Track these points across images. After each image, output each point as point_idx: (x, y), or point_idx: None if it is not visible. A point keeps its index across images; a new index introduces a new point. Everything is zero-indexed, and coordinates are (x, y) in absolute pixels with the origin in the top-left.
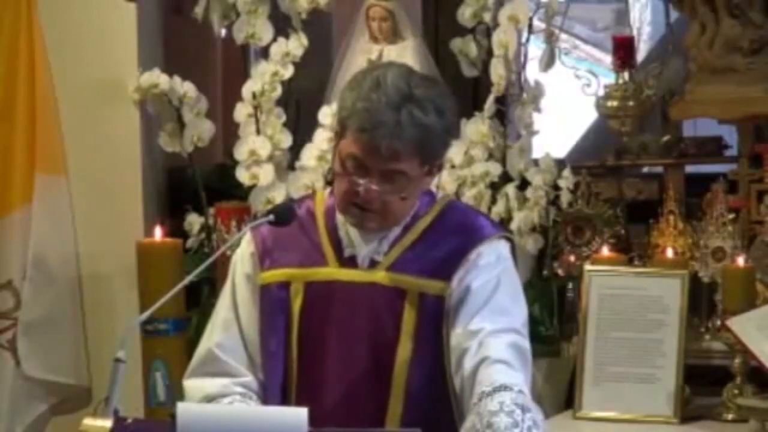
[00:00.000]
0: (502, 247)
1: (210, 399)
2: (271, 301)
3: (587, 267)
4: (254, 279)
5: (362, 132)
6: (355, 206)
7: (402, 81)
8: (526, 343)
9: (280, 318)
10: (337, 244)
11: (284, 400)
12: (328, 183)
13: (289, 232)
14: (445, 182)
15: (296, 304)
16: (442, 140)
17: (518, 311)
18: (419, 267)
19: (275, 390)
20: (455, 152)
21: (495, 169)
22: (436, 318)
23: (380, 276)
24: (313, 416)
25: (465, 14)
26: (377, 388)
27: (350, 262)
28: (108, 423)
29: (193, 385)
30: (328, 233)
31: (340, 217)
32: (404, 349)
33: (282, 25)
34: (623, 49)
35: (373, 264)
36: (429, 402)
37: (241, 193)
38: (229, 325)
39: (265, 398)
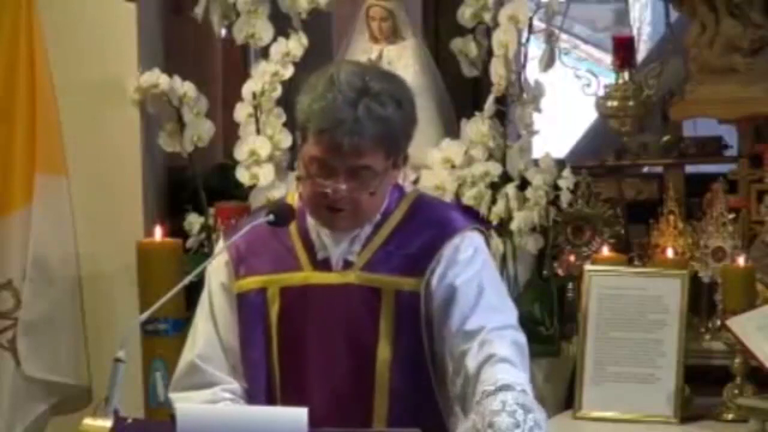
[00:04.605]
0: (477, 240)
1: None
2: (249, 308)
3: (587, 267)
4: (230, 287)
5: (322, 133)
6: (325, 208)
7: (356, 77)
8: (524, 339)
9: (259, 325)
10: (309, 248)
11: (269, 405)
12: None
13: (262, 238)
14: (444, 182)
15: (274, 310)
16: (403, 131)
17: (509, 306)
18: (392, 265)
19: (260, 397)
20: (455, 152)
21: (495, 169)
22: (414, 315)
23: (354, 277)
24: None
25: (465, 14)
26: (361, 389)
27: (324, 264)
28: (108, 423)
29: (179, 398)
30: (300, 237)
31: (310, 220)
32: (384, 349)
33: (282, 25)
34: (623, 49)
35: (347, 265)
36: (414, 401)
37: (241, 193)
38: (209, 335)
39: (250, 404)
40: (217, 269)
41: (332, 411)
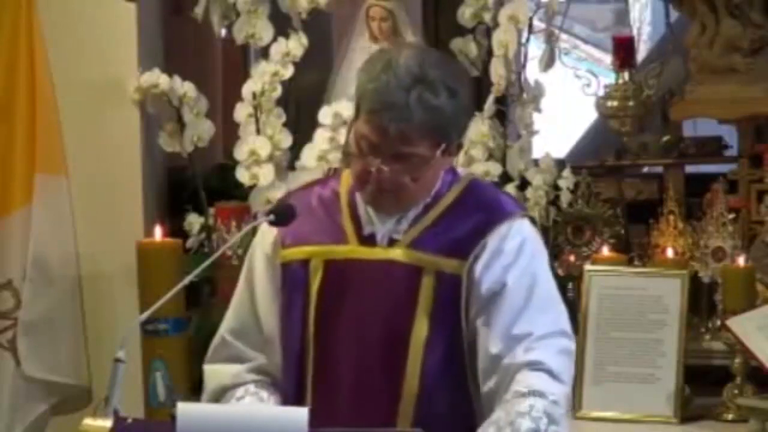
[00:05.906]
0: (525, 228)
1: (225, 389)
2: (291, 278)
3: (587, 267)
4: (274, 259)
5: (372, 113)
6: (370, 187)
7: (414, 62)
8: (571, 343)
9: (299, 295)
10: (357, 222)
11: (300, 379)
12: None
13: (311, 208)
14: None
15: (315, 282)
16: (455, 121)
17: (557, 302)
18: (438, 245)
19: (291, 369)
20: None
21: (495, 169)
22: (453, 297)
23: (398, 253)
24: (329, 397)
25: (465, 14)
26: (393, 367)
27: (369, 239)
28: (108, 423)
29: (209, 370)
30: (350, 211)
31: (359, 195)
32: (420, 328)
33: (282, 25)
34: (623, 49)
35: (392, 242)
36: (445, 383)
37: (241, 193)
38: (243, 309)
39: (282, 378)
40: (263, 242)
41: (362, 388)
